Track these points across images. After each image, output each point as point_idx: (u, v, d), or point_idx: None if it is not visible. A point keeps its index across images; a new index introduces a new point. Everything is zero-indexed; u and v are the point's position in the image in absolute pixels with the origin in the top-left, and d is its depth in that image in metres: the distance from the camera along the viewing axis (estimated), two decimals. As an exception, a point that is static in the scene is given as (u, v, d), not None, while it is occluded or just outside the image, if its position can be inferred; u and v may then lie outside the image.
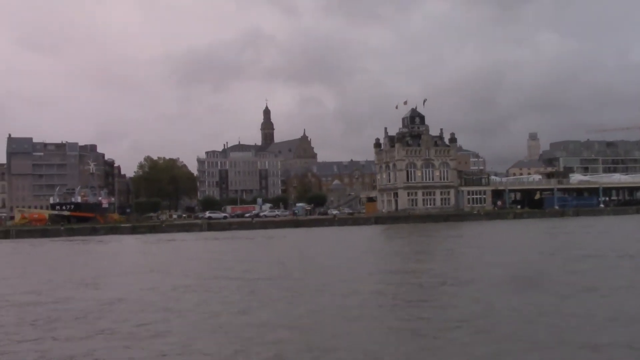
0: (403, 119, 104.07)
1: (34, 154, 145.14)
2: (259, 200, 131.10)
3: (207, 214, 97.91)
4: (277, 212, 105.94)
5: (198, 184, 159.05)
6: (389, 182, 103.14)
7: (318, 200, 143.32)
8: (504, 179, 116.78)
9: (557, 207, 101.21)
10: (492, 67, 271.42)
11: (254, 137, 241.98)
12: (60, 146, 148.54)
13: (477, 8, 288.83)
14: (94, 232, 74.47)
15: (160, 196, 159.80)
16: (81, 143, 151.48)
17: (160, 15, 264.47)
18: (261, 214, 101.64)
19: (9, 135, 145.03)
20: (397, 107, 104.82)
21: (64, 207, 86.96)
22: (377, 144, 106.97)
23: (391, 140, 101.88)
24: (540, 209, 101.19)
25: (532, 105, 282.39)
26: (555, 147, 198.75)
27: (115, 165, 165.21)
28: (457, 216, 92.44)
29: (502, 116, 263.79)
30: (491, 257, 34.21)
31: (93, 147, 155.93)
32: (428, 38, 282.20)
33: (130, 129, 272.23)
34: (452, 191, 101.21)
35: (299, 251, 45.00)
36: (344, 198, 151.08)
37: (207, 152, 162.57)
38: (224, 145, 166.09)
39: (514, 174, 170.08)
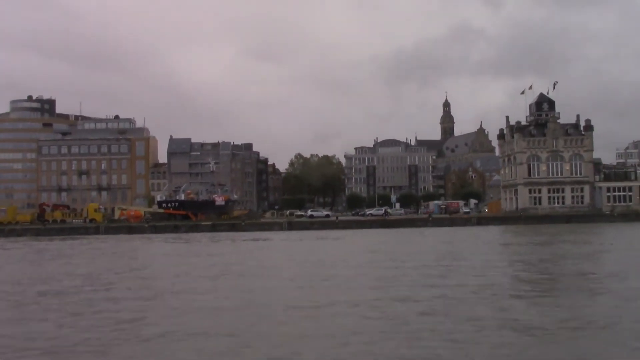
0: (530, 106, 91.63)
1: (192, 153, 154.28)
2: (393, 197, 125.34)
3: (309, 212, 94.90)
4: (372, 211, 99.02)
5: (346, 181, 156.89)
6: (511, 177, 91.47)
7: (474, 196, 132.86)
8: None
9: None
10: None
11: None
12: (216, 145, 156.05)
13: None
14: (175, 229, 75.61)
15: (310, 193, 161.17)
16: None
17: (368, 18, 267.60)
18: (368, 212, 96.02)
19: (170, 136, 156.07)
20: (523, 93, 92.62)
21: (168, 205, 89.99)
22: (501, 135, 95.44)
23: (512, 130, 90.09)
24: None
25: None
26: None
27: (270, 163, 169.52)
28: (584, 217, 78.72)
29: None
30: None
31: (248, 146, 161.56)
32: None
33: (343, 128, 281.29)
34: (586, 187, 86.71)
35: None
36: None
37: (356, 148, 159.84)
38: (375, 140, 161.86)
39: None
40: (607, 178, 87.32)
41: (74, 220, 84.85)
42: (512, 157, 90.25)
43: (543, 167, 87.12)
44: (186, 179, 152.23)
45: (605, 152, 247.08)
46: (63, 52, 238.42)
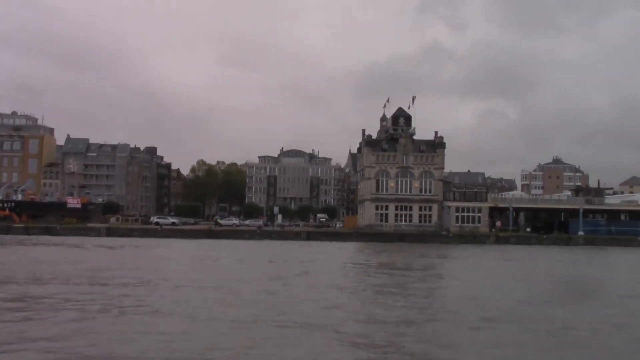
0: (383, 121, 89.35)
1: (88, 154, 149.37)
2: (276, 209, 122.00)
3: (155, 219, 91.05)
4: (235, 220, 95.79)
5: (247, 190, 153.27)
6: (362, 193, 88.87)
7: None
8: (512, 195, 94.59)
9: (581, 233, 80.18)
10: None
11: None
12: (115, 147, 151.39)
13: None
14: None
15: (220, 201, 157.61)
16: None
17: (344, 32, 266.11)
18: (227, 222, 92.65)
19: (68, 135, 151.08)
20: (384, 107, 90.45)
21: (4, 205, 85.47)
22: (360, 149, 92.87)
23: (367, 144, 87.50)
24: (565, 234, 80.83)
25: None
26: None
27: (174, 168, 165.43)
28: (418, 236, 76.14)
29: None
30: None
31: (151, 150, 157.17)
32: (621, 48, 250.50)
33: (314, 139, 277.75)
34: (434, 206, 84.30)
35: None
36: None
37: (259, 157, 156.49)
38: (280, 150, 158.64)
39: (622, 192, 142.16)
40: (456, 198, 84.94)
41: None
42: (362, 172, 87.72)
43: (392, 184, 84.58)
44: (81, 180, 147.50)
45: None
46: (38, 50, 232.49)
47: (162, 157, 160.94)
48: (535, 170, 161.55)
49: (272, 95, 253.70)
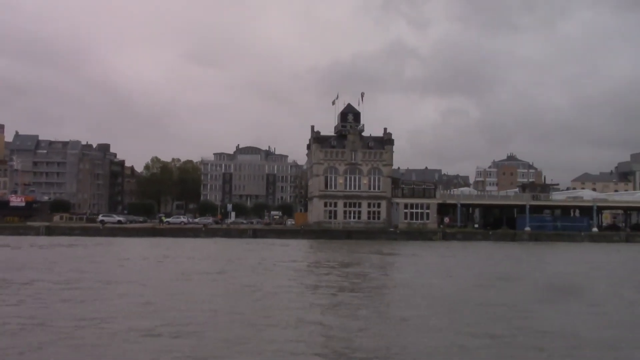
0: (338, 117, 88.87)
1: (38, 151, 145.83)
2: (229, 206, 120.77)
3: (100, 217, 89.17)
4: (183, 218, 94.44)
5: (202, 187, 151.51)
6: (312, 189, 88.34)
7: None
8: (461, 191, 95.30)
9: (528, 229, 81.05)
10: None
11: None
12: (66, 144, 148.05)
13: (626, 16, 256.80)
14: None
15: (169, 198, 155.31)
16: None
17: (308, 29, 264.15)
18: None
19: (16, 132, 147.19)
20: (333, 103, 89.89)
21: None
22: (310, 146, 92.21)
23: (315, 140, 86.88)
24: (513, 230, 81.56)
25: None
26: (636, 159, 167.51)
27: (128, 165, 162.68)
28: (365, 233, 76.07)
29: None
30: None
31: (103, 147, 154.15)
32: (579, 48, 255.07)
33: (277, 137, 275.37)
34: (383, 203, 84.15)
35: None
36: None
37: (215, 154, 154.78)
38: (236, 147, 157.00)
39: (574, 188, 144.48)
40: (405, 194, 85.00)
41: None
42: (311, 169, 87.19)
43: (340, 180, 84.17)
44: (29, 178, 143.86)
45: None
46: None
47: (115, 154, 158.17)
48: (490, 167, 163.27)
49: (235, 92, 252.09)
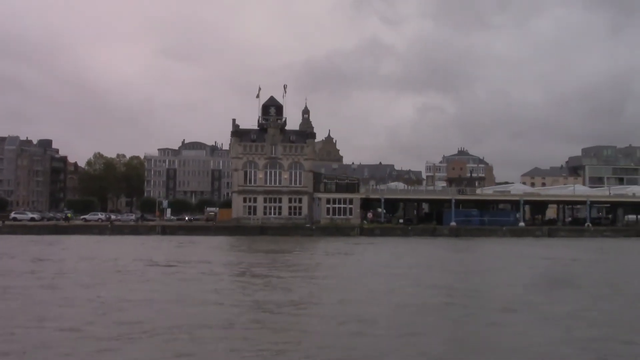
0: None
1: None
2: (165, 202, 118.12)
3: (13, 214, 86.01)
4: (101, 215, 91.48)
5: (145, 184, 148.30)
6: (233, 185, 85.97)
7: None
8: (387, 187, 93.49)
9: (453, 223, 79.37)
10: (621, 74, 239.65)
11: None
12: (3, 140, 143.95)
13: (598, 13, 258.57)
14: None
15: (109, 195, 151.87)
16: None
17: (284, 25, 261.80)
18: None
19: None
20: (257, 96, 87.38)
21: None
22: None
23: (233, 134, 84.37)
24: (435, 224, 79.79)
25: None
26: (586, 153, 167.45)
27: (72, 162, 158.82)
28: (281, 229, 73.70)
29: (632, 126, 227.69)
30: None
31: (45, 143, 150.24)
32: (552, 45, 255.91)
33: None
34: (304, 198, 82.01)
35: None
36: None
37: (159, 150, 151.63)
38: (182, 142, 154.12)
39: (524, 183, 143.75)
40: (327, 189, 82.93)
41: None
42: (231, 164, 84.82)
43: (260, 175, 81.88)
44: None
45: (508, 169, 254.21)
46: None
47: (57, 150, 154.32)
48: (441, 162, 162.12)
49: (211, 87, 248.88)
